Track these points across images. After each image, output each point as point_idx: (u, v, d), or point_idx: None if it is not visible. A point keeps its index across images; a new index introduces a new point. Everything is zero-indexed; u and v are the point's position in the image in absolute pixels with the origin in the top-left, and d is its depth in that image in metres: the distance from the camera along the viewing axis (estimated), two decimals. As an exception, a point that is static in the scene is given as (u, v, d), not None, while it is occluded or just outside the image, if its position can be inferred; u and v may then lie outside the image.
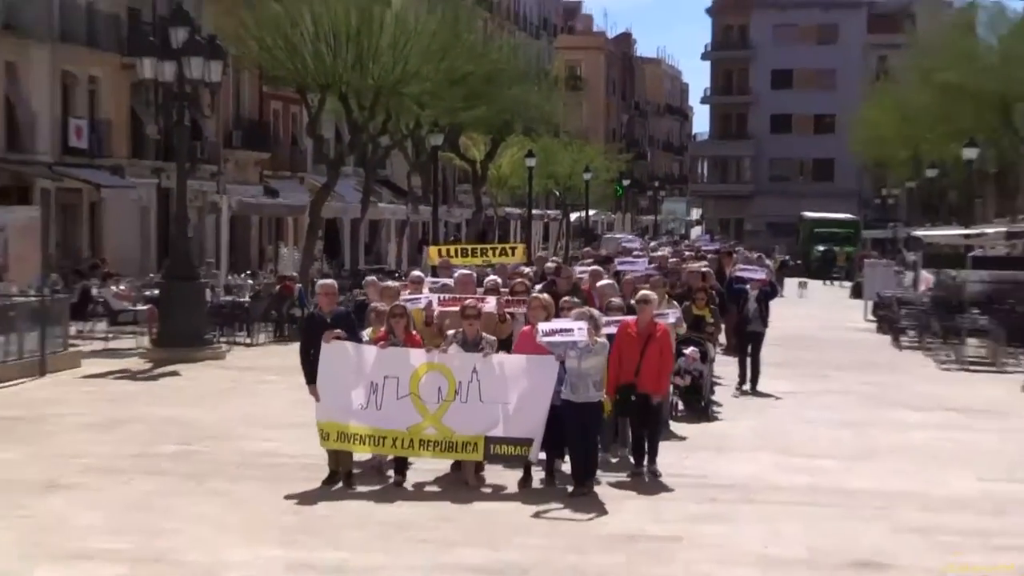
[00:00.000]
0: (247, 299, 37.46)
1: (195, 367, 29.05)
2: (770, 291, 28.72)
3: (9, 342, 26.77)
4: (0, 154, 47.72)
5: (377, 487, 16.08)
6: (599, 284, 20.71)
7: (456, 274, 21.26)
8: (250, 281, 43.17)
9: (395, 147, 57.14)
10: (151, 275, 41.87)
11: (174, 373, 28.18)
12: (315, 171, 61.57)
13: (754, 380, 26.10)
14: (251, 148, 63.91)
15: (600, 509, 15.13)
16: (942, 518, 15.23)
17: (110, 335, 33.88)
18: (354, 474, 16.13)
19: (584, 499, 15.41)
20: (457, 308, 17.08)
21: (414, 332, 16.45)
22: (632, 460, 17.11)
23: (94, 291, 37.47)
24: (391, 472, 16.44)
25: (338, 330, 16.28)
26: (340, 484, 15.99)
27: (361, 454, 16.55)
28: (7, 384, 25.40)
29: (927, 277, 45.01)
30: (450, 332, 16.47)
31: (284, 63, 46.60)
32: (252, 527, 14.27)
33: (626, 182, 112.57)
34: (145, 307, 34.19)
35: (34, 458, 18.27)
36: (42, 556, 12.87)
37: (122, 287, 38.43)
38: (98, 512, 14.98)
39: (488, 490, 15.95)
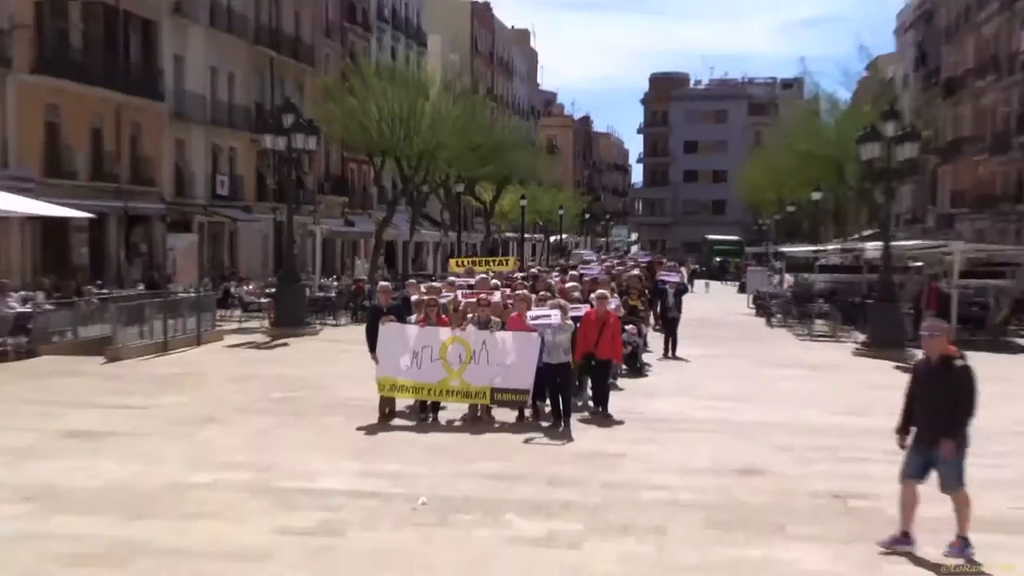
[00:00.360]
0: (333, 295, 37.43)
1: (299, 340, 29.03)
2: (683, 289, 29.10)
3: (177, 324, 26.93)
4: (171, 199, 47.80)
5: (419, 422, 16.16)
6: (566, 285, 20.97)
7: (477, 278, 22.39)
8: (335, 283, 43.07)
9: (431, 192, 57.15)
10: (269, 279, 41.77)
11: (285, 344, 28.21)
12: (378, 209, 61.32)
13: (673, 349, 26.18)
14: (336, 194, 63.79)
15: (570, 436, 15.26)
16: (802, 440, 15.24)
17: (243, 319, 33.86)
18: (395, 411, 16.40)
19: (560, 430, 15.52)
20: (475, 299, 17.61)
21: (444, 316, 16.82)
22: (592, 404, 17.18)
23: (232, 290, 37.63)
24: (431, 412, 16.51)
25: (391, 316, 16.69)
26: (390, 420, 16.15)
27: (405, 400, 16.65)
28: (176, 351, 25.48)
29: (788, 279, 45.14)
30: (469, 315, 16.78)
31: (358, 137, 47.03)
32: (335, 448, 14.41)
33: (587, 215, 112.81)
34: (266, 300, 34.17)
35: (195, 401, 18.35)
36: (201, 465, 13.04)
37: (250, 287, 38.48)
38: (235, 437, 15.08)
39: (495, 424, 15.98)
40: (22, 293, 28.52)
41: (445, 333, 16.20)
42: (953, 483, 9.63)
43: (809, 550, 9.90)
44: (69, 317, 27.13)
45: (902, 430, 9.99)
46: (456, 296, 18.91)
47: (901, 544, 9.66)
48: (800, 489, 12.25)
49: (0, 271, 33.35)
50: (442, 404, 16.47)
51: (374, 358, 16.50)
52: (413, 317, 16.98)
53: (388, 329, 16.36)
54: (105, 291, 33.01)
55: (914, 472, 9.77)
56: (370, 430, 15.53)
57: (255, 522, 10.60)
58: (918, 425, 9.82)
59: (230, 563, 9.26)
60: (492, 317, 16.60)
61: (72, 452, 13.87)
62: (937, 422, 9.58)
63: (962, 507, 9.63)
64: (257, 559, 9.39)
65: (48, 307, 27.46)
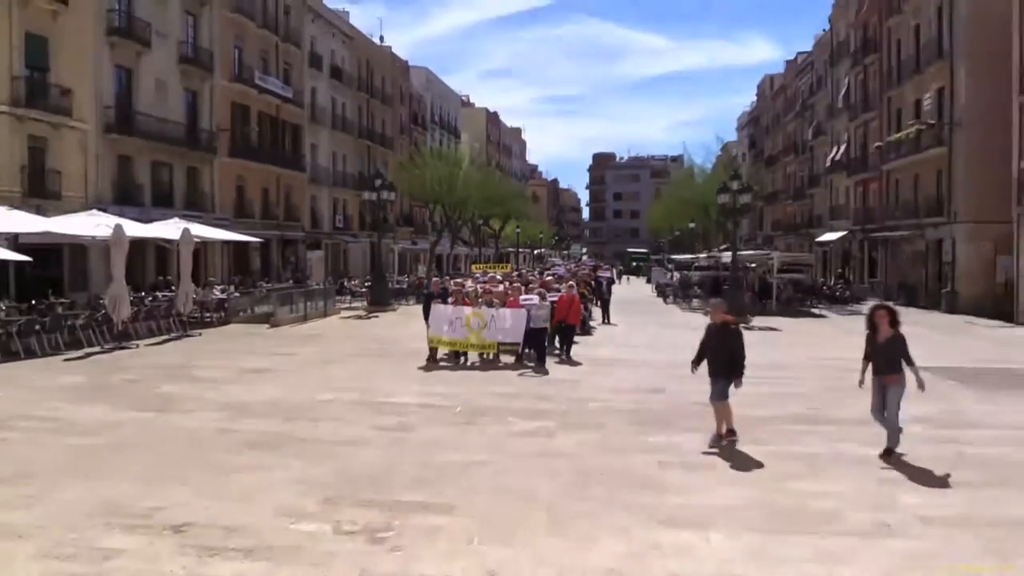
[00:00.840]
0: (405, 286, 37.26)
1: (385, 314, 28.80)
2: (612, 281, 29.06)
3: (312, 304, 26.66)
4: (309, 230, 47.73)
5: (454, 363, 15.83)
6: (547, 279, 20.85)
7: (487, 276, 22.23)
8: (406, 279, 42.88)
9: (464, 225, 56.88)
10: (367, 276, 41.56)
11: (376, 316, 27.75)
12: (431, 235, 60.92)
13: (607, 317, 25.70)
14: (406, 226, 63.26)
15: (546, 371, 14.97)
16: (685, 371, 14.89)
17: (351, 301, 33.53)
18: (439, 358, 15.84)
19: (539, 369, 15.21)
20: (486, 290, 17.64)
21: (467, 300, 16.56)
22: (561, 353, 16.81)
23: (345, 283, 37.30)
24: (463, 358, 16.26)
25: (439, 299, 16.46)
26: (437, 362, 15.80)
27: (445, 350, 16.09)
28: (311, 321, 25.25)
29: (677, 275, 44.85)
30: (481, 299, 16.60)
31: (419, 192, 46.80)
32: (405, 377, 14.23)
33: (556, 238, 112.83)
34: (365, 289, 33.98)
35: (321, 350, 18.17)
36: (325, 389, 12.84)
37: (355, 282, 38.29)
38: (347, 371, 14.93)
39: (500, 364, 15.61)
40: (221, 286, 28.48)
41: (468, 310, 15.84)
42: (718, 398, 9.42)
43: (690, 437, 9.78)
44: (248, 301, 27.04)
45: (695, 364, 9.76)
46: (476, 287, 18.79)
47: (720, 441, 9.32)
48: (685, 401, 12.09)
49: (209, 273, 33.31)
50: (469, 353, 16.08)
51: (427, 324, 16.17)
52: (450, 299, 16.77)
53: (436, 307, 16.07)
54: (269, 285, 33.00)
55: (718, 396, 9.46)
56: (426, 367, 15.27)
57: (359, 423, 10.47)
58: (711, 364, 9.55)
59: (344, 447, 9.14)
60: (496, 300, 16.46)
61: (250, 381, 13.74)
62: (720, 363, 9.42)
63: (726, 412, 9.42)
64: (360, 444, 9.27)
65: (236, 295, 27.38)
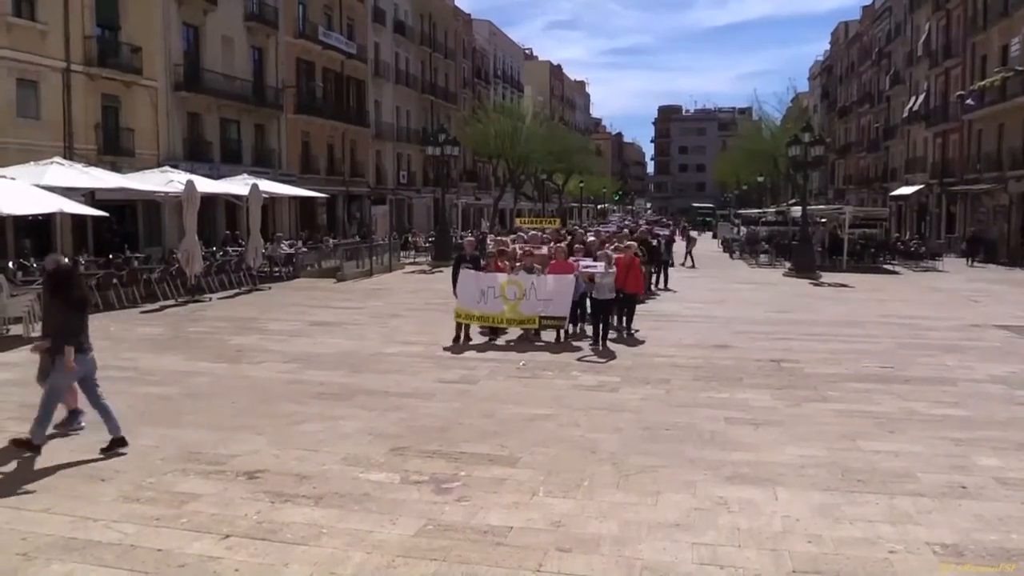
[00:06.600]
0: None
1: (448, 268, 28.24)
2: (671, 240, 27.39)
3: (377, 259, 26.90)
4: (373, 185, 48.10)
5: (487, 341, 15.70)
6: (590, 239, 19.57)
7: (529, 234, 21.39)
8: (470, 233, 43.02)
9: (527, 180, 56.59)
10: (431, 232, 41.86)
11: (440, 271, 26.84)
12: (494, 190, 60.95)
13: (665, 282, 22.28)
14: (469, 181, 63.51)
15: (612, 354, 14.23)
16: (752, 327, 14.86)
17: (415, 256, 33.90)
18: (469, 334, 13.25)
19: (603, 351, 14.22)
20: (526, 251, 15.42)
21: (503, 264, 14.13)
22: (623, 325, 14.38)
23: (409, 238, 37.67)
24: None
25: (470, 264, 13.84)
26: (466, 339, 13.28)
27: (476, 325, 13.74)
28: (376, 276, 25.45)
29: (743, 229, 44.09)
30: (519, 264, 14.16)
31: (482, 147, 46.63)
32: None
33: (620, 193, 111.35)
34: (429, 244, 34.19)
35: (386, 304, 18.38)
36: (391, 341, 13.00)
37: (419, 237, 38.60)
38: (411, 325, 15.01)
39: (540, 343, 13.49)
40: (289, 241, 28.99)
41: (503, 277, 13.40)
42: (39, 375, 7.68)
43: (757, 393, 9.63)
44: (315, 255, 27.59)
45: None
46: (515, 248, 16.52)
47: (73, 424, 7.84)
48: (751, 357, 11.91)
49: (276, 229, 33.91)
50: (505, 329, 13.65)
51: (455, 294, 13.54)
52: (483, 263, 14.49)
53: (465, 273, 13.48)
54: (335, 240, 33.46)
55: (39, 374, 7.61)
56: (453, 349, 13.77)
57: (424, 375, 10.58)
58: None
59: (410, 399, 9.24)
60: (536, 265, 13.78)
61: (317, 333, 13.99)
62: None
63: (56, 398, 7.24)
64: (425, 397, 9.36)
65: (303, 250, 27.90)
